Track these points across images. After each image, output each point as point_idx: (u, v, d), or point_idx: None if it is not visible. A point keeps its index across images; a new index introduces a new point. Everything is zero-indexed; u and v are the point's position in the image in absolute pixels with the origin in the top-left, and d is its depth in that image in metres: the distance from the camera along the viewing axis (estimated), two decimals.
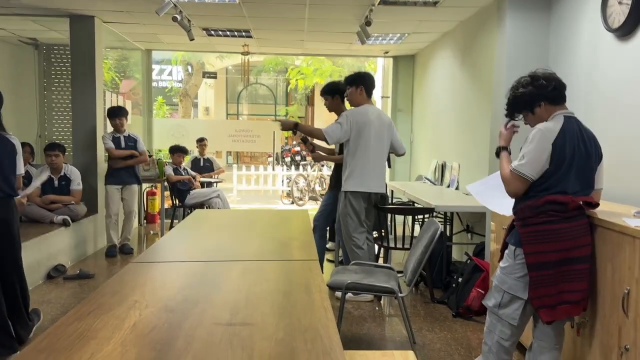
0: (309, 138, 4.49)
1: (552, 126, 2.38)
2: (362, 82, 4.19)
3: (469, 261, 4.30)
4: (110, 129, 6.05)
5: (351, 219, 4.22)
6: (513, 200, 2.53)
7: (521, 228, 2.43)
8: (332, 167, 4.66)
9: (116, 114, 5.80)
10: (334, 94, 4.54)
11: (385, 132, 4.23)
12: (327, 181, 11.63)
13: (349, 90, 4.26)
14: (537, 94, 2.45)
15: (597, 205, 2.42)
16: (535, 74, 2.50)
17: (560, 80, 2.50)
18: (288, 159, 16.00)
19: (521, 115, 2.58)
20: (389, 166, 4.71)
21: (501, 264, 2.57)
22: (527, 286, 2.41)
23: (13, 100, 7.05)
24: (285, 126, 4.23)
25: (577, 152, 2.36)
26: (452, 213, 5.10)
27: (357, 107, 4.20)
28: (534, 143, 2.36)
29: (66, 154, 5.62)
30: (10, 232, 3.26)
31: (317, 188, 11.57)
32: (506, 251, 2.56)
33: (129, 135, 5.90)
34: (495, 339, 2.56)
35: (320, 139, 4.15)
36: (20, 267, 3.37)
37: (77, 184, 5.46)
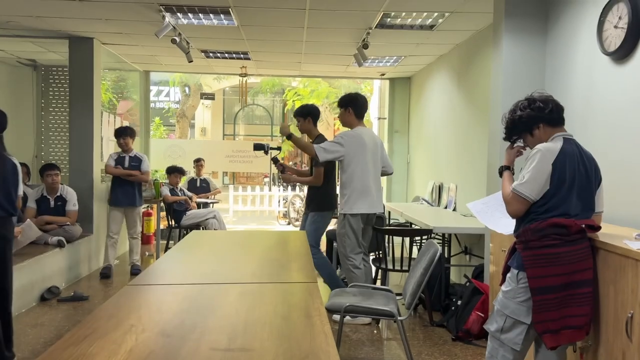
0: (279, 159, 4.67)
1: (552, 146, 2.38)
2: (351, 104, 4.26)
3: (468, 284, 4.26)
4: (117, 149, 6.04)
5: (349, 240, 4.22)
6: (514, 220, 2.52)
7: (523, 251, 2.40)
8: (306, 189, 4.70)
9: (120, 133, 5.85)
10: (306, 116, 4.64)
11: (378, 152, 4.31)
12: None
13: (340, 111, 4.35)
14: (535, 116, 2.46)
15: (600, 228, 2.41)
16: (532, 97, 2.51)
17: (558, 102, 2.51)
18: None
19: (520, 139, 2.58)
20: None
21: (503, 287, 2.54)
22: (530, 310, 2.37)
23: (10, 121, 7.02)
24: (282, 131, 4.39)
25: (578, 174, 2.36)
26: (450, 234, 5.08)
27: (351, 130, 4.26)
28: (534, 163, 2.35)
29: (61, 174, 5.60)
30: (6, 251, 3.23)
31: None
32: (508, 274, 2.53)
33: (135, 155, 5.89)
34: None
35: (311, 155, 4.20)
36: (11, 291, 3.32)
37: (73, 205, 5.42)
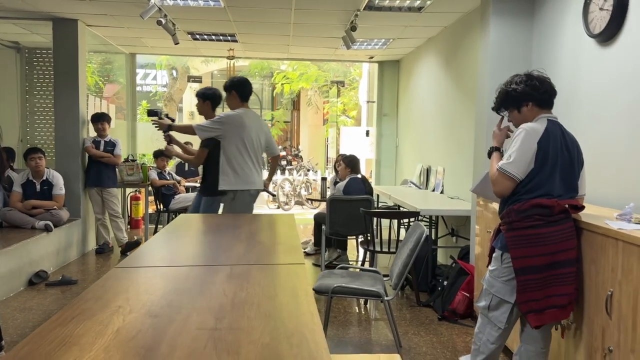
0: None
1: (536, 126, 2.41)
2: (234, 88, 4.37)
3: (454, 264, 4.32)
4: (94, 133, 6.26)
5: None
6: None
7: (507, 232, 2.44)
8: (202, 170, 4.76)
9: (98, 119, 6.13)
10: (205, 100, 4.66)
11: (261, 134, 4.40)
12: (313, 186, 11.64)
13: (225, 95, 4.47)
14: (528, 94, 2.47)
15: (583, 207, 2.45)
16: (531, 74, 2.52)
17: (553, 86, 2.52)
18: None
19: (507, 112, 2.59)
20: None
21: (490, 267, 2.60)
22: (514, 290, 2.42)
23: None
24: (161, 128, 4.33)
25: (561, 155, 2.39)
26: (437, 217, 5.13)
27: (232, 111, 4.35)
28: (519, 142, 2.38)
29: (47, 158, 5.56)
30: None
31: (303, 193, 11.55)
32: (494, 255, 2.58)
33: (109, 140, 6.19)
34: (484, 340, 2.59)
35: (192, 134, 4.30)
36: None
37: (59, 189, 5.39)
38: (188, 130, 4.33)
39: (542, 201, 2.34)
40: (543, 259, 2.34)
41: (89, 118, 6.20)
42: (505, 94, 2.56)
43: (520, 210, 2.38)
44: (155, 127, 4.39)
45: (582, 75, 3.39)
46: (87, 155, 6.14)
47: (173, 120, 4.76)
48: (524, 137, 2.38)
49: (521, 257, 2.37)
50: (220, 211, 4.63)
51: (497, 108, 2.63)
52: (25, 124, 7.66)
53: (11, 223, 5.07)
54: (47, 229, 5.09)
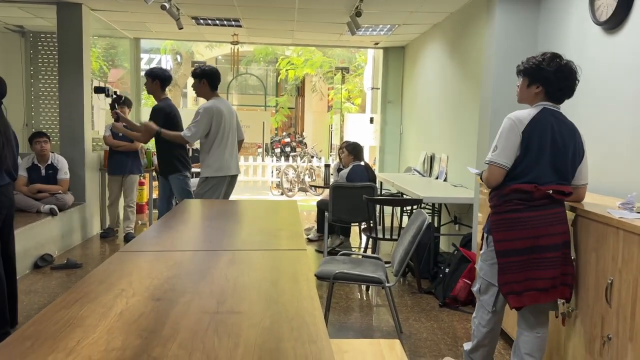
0: (117, 105, 4.84)
1: (523, 115, 2.41)
2: (205, 77, 4.47)
3: (456, 252, 4.33)
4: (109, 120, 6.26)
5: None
6: None
7: (491, 216, 2.51)
8: (157, 153, 4.90)
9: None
10: (154, 78, 4.76)
11: (234, 120, 4.56)
12: (317, 172, 11.65)
13: (194, 82, 4.54)
14: (546, 79, 2.42)
15: (570, 194, 2.45)
16: (568, 65, 2.43)
17: (574, 87, 2.46)
18: (278, 150, 15.97)
19: (522, 78, 2.54)
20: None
21: (481, 251, 2.65)
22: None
23: None
24: (150, 129, 4.48)
25: (551, 143, 2.38)
26: (440, 204, 5.14)
27: (208, 102, 4.44)
28: (504, 132, 2.42)
29: (52, 143, 5.58)
30: (13, 215, 3.35)
31: (307, 179, 11.57)
32: (483, 239, 2.64)
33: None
34: (476, 323, 2.66)
35: (183, 143, 4.52)
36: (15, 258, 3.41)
37: (64, 173, 5.42)
38: (177, 139, 4.45)
39: (522, 186, 2.38)
40: (523, 242, 2.38)
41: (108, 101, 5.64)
42: (533, 64, 2.46)
43: (501, 194, 2.44)
44: (110, 105, 4.76)
45: (588, 63, 3.36)
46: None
47: (120, 97, 5.02)
48: (508, 127, 2.41)
49: (503, 240, 2.43)
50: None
51: (519, 70, 2.55)
52: (30, 109, 7.68)
53: (17, 207, 5.09)
54: (52, 213, 5.13)
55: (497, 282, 2.49)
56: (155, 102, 4.85)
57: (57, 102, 6.47)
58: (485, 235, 2.60)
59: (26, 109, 7.65)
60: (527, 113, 2.42)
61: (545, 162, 2.38)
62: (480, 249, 2.69)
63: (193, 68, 4.88)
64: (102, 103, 6.62)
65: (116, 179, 6.11)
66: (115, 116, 4.78)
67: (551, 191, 2.37)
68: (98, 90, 5.00)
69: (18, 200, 5.09)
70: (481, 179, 2.61)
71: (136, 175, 6.25)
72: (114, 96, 4.91)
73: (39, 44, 7.65)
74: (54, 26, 6.09)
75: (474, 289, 2.70)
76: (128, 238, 6.00)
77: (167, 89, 4.92)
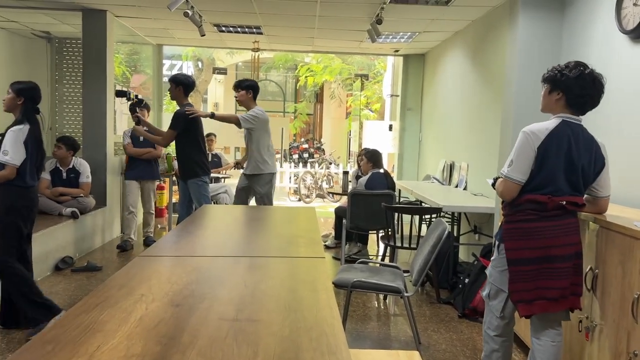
0: (137, 109, 4.94)
1: (538, 129, 2.37)
2: (251, 88, 5.03)
3: (475, 262, 4.28)
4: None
5: (272, 194, 5.15)
6: None
7: (505, 224, 2.51)
8: (177, 157, 5.03)
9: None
10: (178, 85, 4.89)
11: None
12: (335, 179, 11.63)
13: (239, 92, 5.01)
14: (566, 86, 2.37)
15: (583, 205, 2.44)
16: (592, 74, 2.38)
17: (597, 97, 2.40)
18: (296, 156, 16.00)
19: (546, 86, 2.50)
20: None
21: (492, 258, 2.64)
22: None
23: None
24: (200, 115, 4.77)
25: (567, 157, 2.35)
26: (459, 213, 5.08)
27: (257, 107, 5.00)
28: (518, 148, 2.39)
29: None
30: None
31: (325, 185, 11.56)
32: (494, 246, 2.65)
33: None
34: (485, 328, 2.66)
35: (234, 122, 4.90)
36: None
37: (86, 177, 5.49)
38: (232, 119, 4.90)
39: (536, 197, 2.37)
40: (535, 252, 2.37)
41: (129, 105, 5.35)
42: (556, 72, 2.43)
43: (514, 204, 2.44)
44: (130, 109, 4.85)
45: (613, 72, 3.30)
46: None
47: (141, 101, 5.20)
48: (523, 141, 2.38)
49: (514, 249, 2.43)
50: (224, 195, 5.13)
51: (545, 77, 2.51)
52: (54, 113, 7.82)
53: (39, 209, 5.17)
54: (73, 216, 5.20)
55: (507, 289, 2.50)
56: (178, 108, 4.91)
57: (81, 106, 6.58)
58: (497, 242, 2.61)
59: (50, 113, 7.79)
60: (544, 127, 2.37)
61: (561, 177, 2.37)
62: (492, 256, 2.69)
63: (237, 81, 5.13)
64: (124, 107, 6.71)
65: (135, 184, 6.01)
66: (136, 119, 4.85)
67: (564, 202, 2.35)
68: (119, 93, 5.07)
69: (40, 203, 5.18)
70: (493, 186, 2.59)
71: (155, 180, 6.21)
72: (135, 100, 4.97)
73: (64, 49, 7.80)
74: (79, 32, 6.20)
75: (484, 293, 2.71)
76: (148, 242, 6.04)
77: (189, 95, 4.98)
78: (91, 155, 6.04)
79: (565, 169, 2.35)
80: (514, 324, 2.68)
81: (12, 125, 3.35)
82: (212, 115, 4.73)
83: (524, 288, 2.40)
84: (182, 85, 4.84)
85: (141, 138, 5.61)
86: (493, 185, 2.61)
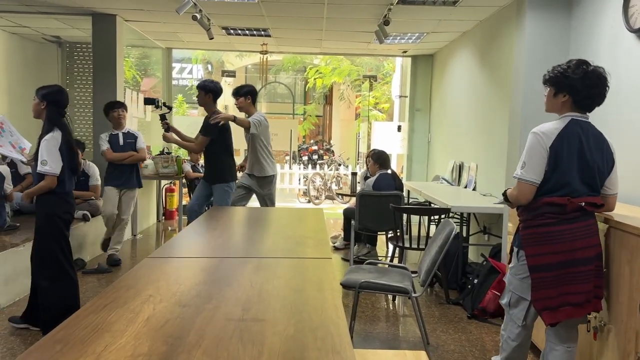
0: (166, 117, 4.97)
1: (548, 129, 2.34)
2: (250, 94, 5.09)
3: (485, 262, 4.26)
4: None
5: (275, 195, 5.28)
6: None
7: (522, 230, 2.44)
8: (205, 160, 5.08)
9: (113, 106, 5.28)
10: (207, 92, 4.94)
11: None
12: (344, 180, 11.63)
13: (239, 99, 5.06)
14: (572, 87, 2.35)
15: (602, 205, 2.39)
16: (596, 71, 2.35)
17: (604, 94, 2.38)
18: (305, 158, 16.02)
19: (548, 88, 2.47)
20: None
21: (509, 265, 2.59)
22: (530, 287, 2.42)
23: None
24: (226, 117, 4.76)
25: (579, 155, 2.31)
26: (468, 214, 5.06)
27: (258, 113, 5.08)
28: (529, 148, 2.35)
29: (86, 150, 5.70)
30: None
31: (334, 187, 11.57)
32: (512, 253, 2.58)
33: (128, 131, 5.32)
34: (505, 337, 2.61)
35: (246, 126, 4.87)
36: None
37: (95, 180, 5.54)
38: (245, 123, 4.86)
39: (554, 199, 2.32)
40: (557, 256, 2.32)
41: (102, 109, 5.36)
42: (558, 72, 2.40)
43: (532, 208, 2.37)
44: (160, 116, 4.86)
45: (621, 71, 3.28)
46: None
47: (170, 109, 5.29)
48: (534, 142, 2.34)
49: (535, 255, 2.36)
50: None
51: (545, 80, 2.49)
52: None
53: None
54: (84, 219, 5.25)
55: (528, 297, 2.42)
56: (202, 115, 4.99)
57: (92, 110, 6.64)
58: (515, 249, 2.52)
59: None
60: (553, 127, 2.35)
61: (575, 176, 2.32)
62: (509, 262, 2.63)
63: (235, 88, 5.15)
64: (132, 110, 6.77)
65: (114, 192, 5.23)
66: (166, 126, 4.85)
67: (583, 203, 2.31)
68: (148, 101, 5.09)
69: None
70: (506, 200, 2.52)
71: (135, 189, 5.40)
72: (164, 107, 5.02)
73: (75, 54, 7.89)
74: (89, 37, 6.27)
75: (503, 302, 2.64)
76: (112, 262, 5.21)
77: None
78: (102, 158, 6.08)
79: (579, 168, 2.32)
80: (532, 330, 2.62)
81: (42, 134, 3.32)
82: (235, 119, 4.75)
83: (548, 295, 2.33)
84: (211, 93, 4.86)
85: (121, 142, 5.25)
86: (505, 198, 2.52)
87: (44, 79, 7.72)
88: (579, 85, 2.33)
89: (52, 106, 3.34)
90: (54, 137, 3.28)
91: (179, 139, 4.99)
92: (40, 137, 3.33)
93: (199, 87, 4.94)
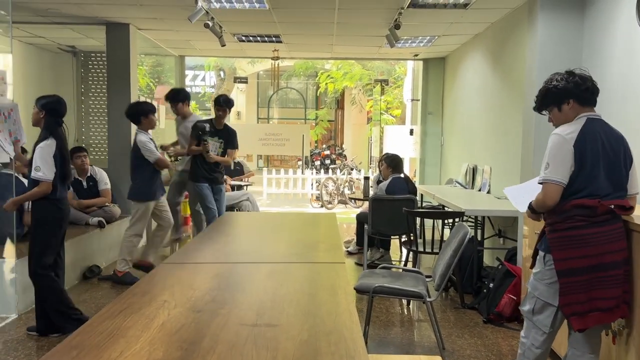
0: (204, 139, 5.18)
1: (569, 129, 2.33)
2: (188, 99, 5.60)
3: (500, 266, 4.22)
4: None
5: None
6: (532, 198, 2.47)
7: (549, 233, 2.39)
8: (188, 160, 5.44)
9: (151, 109, 4.97)
10: (184, 100, 5.51)
11: None
12: (357, 185, 11.61)
13: (179, 105, 5.53)
14: (569, 90, 2.39)
15: (632, 208, 2.35)
16: (573, 71, 2.45)
17: (596, 84, 2.43)
18: (317, 163, 16.03)
19: (548, 112, 2.51)
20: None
21: (534, 269, 2.53)
22: (557, 293, 2.35)
23: None
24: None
25: (603, 154, 2.29)
26: (483, 217, 5.02)
27: (194, 115, 5.62)
28: (553, 149, 2.33)
29: (100, 157, 5.77)
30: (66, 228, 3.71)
31: (347, 192, 11.55)
32: (537, 257, 2.52)
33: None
34: (528, 345, 2.53)
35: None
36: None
37: (104, 184, 5.59)
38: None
39: (584, 201, 2.27)
40: (587, 260, 2.27)
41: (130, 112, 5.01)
42: (545, 91, 2.48)
43: (561, 211, 2.32)
44: (203, 140, 5.16)
45: (636, 72, 3.24)
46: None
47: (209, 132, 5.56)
48: (557, 142, 2.32)
49: (564, 259, 2.31)
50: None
51: (538, 107, 2.55)
52: (80, 125, 8.00)
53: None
54: (100, 226, 5.30)
55: (555, 302, 2.37)
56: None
57: (106, 118, 6.72)
58: (541, 253, 2.46)
59: (77, 124, 7.98)
60: (573, 127, 2.34)
61: (601, 174, 2.29)
62: (532, 266, 2.58)
63: (173, 93, 5.56)
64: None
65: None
66: (207, 148, 5.09)
67: (613, 206, 2.27)
68: (201, 126, 5.35)
69: None
70: (533, 212, 2.48)
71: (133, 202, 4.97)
72: (207, 130, 5.16)
73: (89, 62, 7.99)
74: (104, 46, 6.35)
75: (525, 308, 2.55)
76: (116, 278, 4.86)
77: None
78: (116, 165, 6.15)
79: (605, 165, 2.29)
80: (555, 336, 2.56)
81: (38, 141, 3.45)
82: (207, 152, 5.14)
83: (577, 300, 2.28)
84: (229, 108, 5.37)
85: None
86: (532, 210, 2.48)
87: (59, 87, 7.83)
88: (572, 86, 2.38)
89: (50, 115, 3.47)
90: (49, 145, 3.39)
91: (221, 157, 5.31)
92: (35, 144, 3.44)
93: (178, 100, 5.45)
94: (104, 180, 5.60)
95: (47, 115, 3.46)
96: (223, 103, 5.29)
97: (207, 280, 2.09)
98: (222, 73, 16.27)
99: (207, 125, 5.15)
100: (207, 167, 5.24)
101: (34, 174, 3.35)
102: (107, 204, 5.57)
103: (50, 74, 7.93)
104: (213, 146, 5.18)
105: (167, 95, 5.64)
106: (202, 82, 19.36)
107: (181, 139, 5.62)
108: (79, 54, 7.95)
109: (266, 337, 1.48)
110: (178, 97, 5.54)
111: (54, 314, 3.46)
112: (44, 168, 3.34)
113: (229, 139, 5.35)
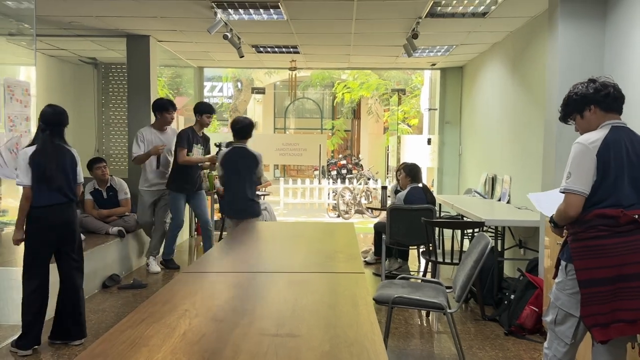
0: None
1: (592, 137, 2.30)
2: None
3: (521, 277, 4.16)
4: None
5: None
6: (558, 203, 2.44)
7: (572, 243, 2.36)
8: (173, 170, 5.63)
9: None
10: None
11: None
12: (374, 194, 11.57)
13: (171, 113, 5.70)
14: (589, 96, 2.38)
15: None
16: (594, 78, 2.44)
17: (619, 90, 2.40)
18: (334, 172, 16.03)
19: (574, 121, 2.50)
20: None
21: (556, 279, 2.50)
22: (579, 303, 2.31)
23: (74, 117, 7.27)
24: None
25: (627, 163, 2.26)
26: (503, 227, 4.96)
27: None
28: (576, 158, 2.30)
29: (121, 167, 5.84)
30: (75, 233, 3.56)
31: (363, 201, 11.51)
32: (560, 267, 2.48)
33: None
34: (550, 356, 2.49)
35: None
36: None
37: (124, 193, 5.65)
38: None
39: (606, 211, 2.24)
40: (609, 271, 2.23)
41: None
42: (567, 99, 2.48)
43: (583, 220, 2.29)
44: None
45: None
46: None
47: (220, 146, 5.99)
48: (580, 151, 2.30)
49: (585, 269, 2.27)
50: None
51: (563, 117, 2.54)
52: (101, 135, 8.12)
53: (87, 229, 5.35)
54: (120, 235, 5.35)
55: (577, 313, 2.33)
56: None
57: (126, 129, 6.81)
58: (563, 263, 2.43)
59: (97, 135, 8.10)
60: (596, 136, 2.31)
61: (624, 183, 2.25)
62: (554, 276, 2.54)
63: (160, 103, 5.60)
64: None
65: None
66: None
67: (637, 216, 2.23)
68: (217, 145, 5.94)
69: (87, 223, 5.36)
70: (555, 226, 2.45)
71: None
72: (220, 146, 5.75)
73: (110, 74, 8.13)
74: (124, 57, 6.46)
75: (547, 319, 2.52)
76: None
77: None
78: (136, 175, 6.21)
79: (629, 174, 2.26)
80: (578, 347, 2.52)
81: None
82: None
83: (599, 311, 2.24)
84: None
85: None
86: (554, 224, 2.46)
87: (81, 98, 7.98)
88: (592, 92, 2.37)
89: (40, 123, 3.51)
90: (25, 152, 3.42)
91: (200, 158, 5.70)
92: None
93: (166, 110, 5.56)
94: (124, 190, 5.65)
95: (39, 124, 3.53)
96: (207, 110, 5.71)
97: (227, 290, 2.09)
98: (239, 84, 16.41)
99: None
100: (188, 177, 5.60)
101: (17, 181, 3.42)
102: (127, 213, 5.62)
103: (72, 85, 8.08)
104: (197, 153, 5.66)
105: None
106: (219, 93, 19.55)
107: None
108: (99, 65, 8.10)
109: (287, 348, 1.47)
110: (167, 107, 5.62)
111: (23, 319, 3.41)
112: (20, 174, 3.39)
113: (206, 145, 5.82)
